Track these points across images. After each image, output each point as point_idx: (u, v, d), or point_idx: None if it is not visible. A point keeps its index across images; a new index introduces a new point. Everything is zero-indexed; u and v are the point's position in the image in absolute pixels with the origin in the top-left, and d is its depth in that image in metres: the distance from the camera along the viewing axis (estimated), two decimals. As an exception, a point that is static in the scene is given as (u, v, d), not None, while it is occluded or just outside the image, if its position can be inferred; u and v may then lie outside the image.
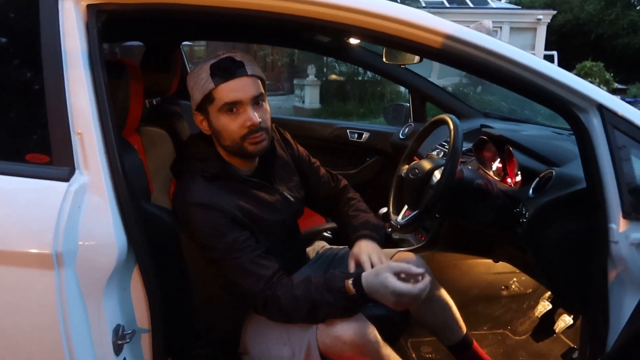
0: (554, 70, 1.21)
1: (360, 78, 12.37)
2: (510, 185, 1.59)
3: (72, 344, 1.01)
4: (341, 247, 1.59)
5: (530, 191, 1.39)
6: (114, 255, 1.04)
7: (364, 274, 1.18)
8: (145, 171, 1.28)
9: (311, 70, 12.48)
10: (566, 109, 1.22)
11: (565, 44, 16.97)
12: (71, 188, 1.01)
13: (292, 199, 1.37)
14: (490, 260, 1.91)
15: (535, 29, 15.38)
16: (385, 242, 2.09)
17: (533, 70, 1.19)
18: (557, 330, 1.72)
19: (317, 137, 2.62)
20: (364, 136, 2.64)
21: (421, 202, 1.48)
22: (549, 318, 1.81)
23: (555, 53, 13.29)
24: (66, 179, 1.02)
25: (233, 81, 1.18)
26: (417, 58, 1.81)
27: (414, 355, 1.83)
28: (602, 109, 1.20)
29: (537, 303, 1.90)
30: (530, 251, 1.34)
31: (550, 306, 1.79)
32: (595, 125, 1.20)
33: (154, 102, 2.10)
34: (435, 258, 1.95)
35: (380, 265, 1.24)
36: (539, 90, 1.22)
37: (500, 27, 14.46)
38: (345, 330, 1.16)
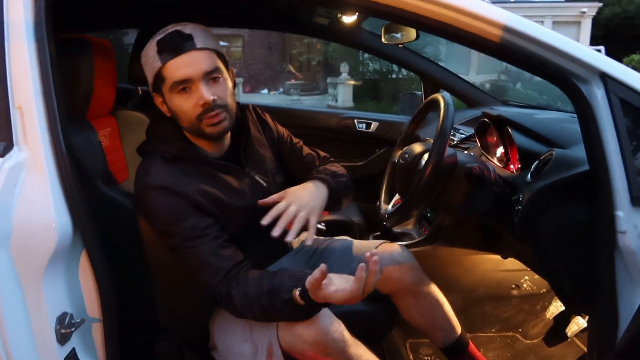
0: (549, 35, 1.06)
1: (394, 76, 12.15)
2: (513, 172, 1.43)
3: (4, 330, 0.94)
4: (326, 238, 1.48)
5: (529, 175, 1.24)
6: (53, 237, 0.97)
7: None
8: (103, 153, 1.22)
9: (344, 68, 12.38)
10: (565, 79, 1.08)
11: (613, 38, 16.12)
12: (6, 165, 0.95)
13: (264, 184, 1.27)
14: (498, 257, 1.76)
15: (579, 23, 14.71)
16: (385, 235, 1.98)
17: (525, 36, 1.05)
18: (569, 334, 1.55)
19: (322, 127, 2.51)
20: (372, 126, 2.51)
21: (408, 188, 1.35)
22: (563, 320, 1.64)
23: (602, 48, 12.63)
24: (1, 154, 0.96)
25: (181, 57, 1.06)
26: (413, 36, 1.68)
27: (411, 357, 1.70)
28: (605, 78, 1.05)
29: (551, 304, 1.73)
30: (527, 241, 1.19)
31: (563, 307, 1.62)
32: (598, 96, 1.05)
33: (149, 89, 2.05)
34: (438, 253, 1.80)
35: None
36: (533, 59, 1.08)
37: (542, 21, 13.91)
38: (305, 328, 1.06)
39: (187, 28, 1.09)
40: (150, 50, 1.10)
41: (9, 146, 0.98)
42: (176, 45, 1.07)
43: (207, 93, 1.08)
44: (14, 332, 0.96)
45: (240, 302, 1.07)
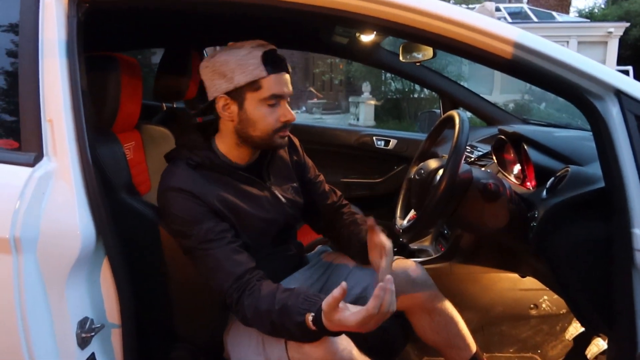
0: (565, 54, 1.07)
1: (416, 95, 12.15)
2: (529, 189, 1.43)
3: (29, 331, 0.98)
4: (341, 253, 1.49)
5: (544, 192, 1.23)
6: (77, 244, 1.02)
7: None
8: (127, 164, 1.26)
9: (366, 87, 12.43)
10: (580, 96, 1.08)
11: (641, 58, 15.87)
12: (35, 174, 1.00)
13: (283, 200, 1.30)
14: (516, 275, 1.73)
15: (606, 43, 14.51)
16: (402, 251, 1.98)
17: (536, 52, 1.06)
18: (589, 356, 1.52)
19: (341, 144, 2.53)
20: (391, 143, 2.52)
21: (423, 204, 1.36)
22: (583, 342, 1.60)
23: (630, 68, 12.40)
24: (31, 164, 1.01)
25: (283, 74, 1.17)
26: (430, 54, 1.70)
27: (427, 375, 1.68)
28: (620, 95, 1.05)
29: (570, 325, 1.69)
30: (542, 259, 1.19)
31: (582, 328, 1.59)
32: (613, 114, 1.05)
33: (174, 105, 2.11)
34: (454, 270, 1.79)
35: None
36: (548, 76, 1.09)
37: (567, 42, 13.77)
38: (314, 347, 1.07)
39: (277, 50, 1.18)
40: (252, 58, 1.13)
41: (39, 156, 1.03)
42: (281, 63, 1.16)
43: (291, 112, 1.19)
44: (37, 334, 1.00)
45: (250, 314, 1.09)
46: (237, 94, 1.17)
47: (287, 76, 1.19)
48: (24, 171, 1.00)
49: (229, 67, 1.15)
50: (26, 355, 1.00)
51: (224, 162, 1.23)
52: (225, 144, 1.24)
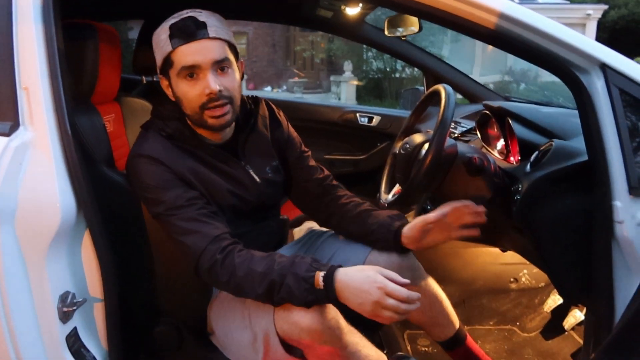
0: (550, 26, 1.07)
1: (397, 75, 12.15)
2: (513, 164, 1.44)
3: (8, 306, 0.96)
4: (327, 230, 1.48)
5: (528, 166, 1.25)
6: (57, 216, 0.99)
7: (343, 268, 1.05)
8: (107, 137, 1.23)
9: (348, 66, 12.37)
10: (565, 69, 1.09)
11: (619, 41, 16.05)
12: (12, 143, 0.97)
13: (257, 179, 1.26)
14: (497, 250, 1.76)
15: (584, 25, 14.66)
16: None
17: (526, 26, 1.06)
18: (567, 327, 1.56)
19: (324, 121, 2.51)
20: (374, 120, 2.51)
21: (409, 178, 1.36)
22: (561, 313, 1.65)
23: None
24: (7, 134, 0.97)
25: (193, 43, 1.07)
26: (416, 28, 1.69)
27: (409, 348, 1.71)
28: (605, 69, 1.06)
29: (549, 298, 1.73)
30: (524, 232, 1.20)
31: (561, 300, 1.63)
32: (598, 87, 1.06)
33: (153, 79, 2.06)
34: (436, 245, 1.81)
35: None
36: (533, 48, 1.09)
37: (547, 23, 13.92)
38: (302, 316, 1.06)
39: (202, 15, 1.09)
40: (162, 34, 1.10)
41: (15, 126, 0.99)
42: (189, 32, 1.07)
43: (213, 82, 1.08)
44: (17, 309, 0.98)
45: (242, 275, 1.05)
46: (164, 73, 1.14)
47: (206, 43, 1.07)
48: (-1, 140, 0.96)
49: (153, 48, 1.14)
50: (6, 330, 0.98)
51: (194, 136, 1.18)
52: (191, 122, 1.20)
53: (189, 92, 1.10)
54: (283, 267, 1.05)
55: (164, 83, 1.17)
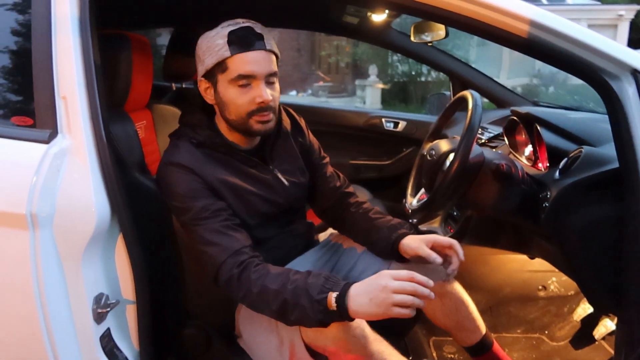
0: (581, 32, 1.06)
1: (423, 79, 12.06)
2: (541, 170, 1.42)
3: (46, 307, 1.00)
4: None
5: (557, 173, 1.23)
6: (92, 220, 1.03)
7: (356, 284, 1.04)
8: (140, 143, 1.27)
9: (373, 70, 12.33)
10: (595, 75, 1.07)
11: (652, 42, 15.63)
12: (51, 150, 1.01)
13: (286, 183, 1.29)
14: (524, 257, 1.74)
15: (616, 26, 14.29)
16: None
17: (552, 31, 1.05)
18: (597, 337, 1.53)
19: (350, 126, 2.53)
20: (400, 125, 2.51)
21: (434, 185, 1.36)
22: (591, 323, 1.61)
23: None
24: (46, 141, 1.02)
25: (251, 53, 1.11)
26: (442, 34, 1.68)
27: (435, 355, 1.70)
28: (636, 74, 1.04)
29: (578, 306, 1.70)
30: (553, 239, 1.19)
31: (591, 309, 1.60)
32: (629, 93, 1.04)
33: (183, 86, 2.11)
34: (464, 251, 1.79)
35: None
36: (563, 55, 1.07)
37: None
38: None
39: (258, 27, 1.13)
40: (219, 39, 1.12)
41: (53, 133, 1.04)
42: (249, 41, 1.11)
43: (266, 93, 1.12)
44: (55, 310, 1.02)
45: (257, 292, 1.06)
46: (210, 77, 1.16)
47: (262, 54, 1.12)
48: (39, 148, 1.00)
49: (201, 50, 1.16)
50: (44, 330, 1.02)
51: (225, 143, 1.22)
52: (222, 127, 1.23)
53: (239, 99, 1.14)
54: (297, 286, 1.05)
55: (204, 86, 1.19)
